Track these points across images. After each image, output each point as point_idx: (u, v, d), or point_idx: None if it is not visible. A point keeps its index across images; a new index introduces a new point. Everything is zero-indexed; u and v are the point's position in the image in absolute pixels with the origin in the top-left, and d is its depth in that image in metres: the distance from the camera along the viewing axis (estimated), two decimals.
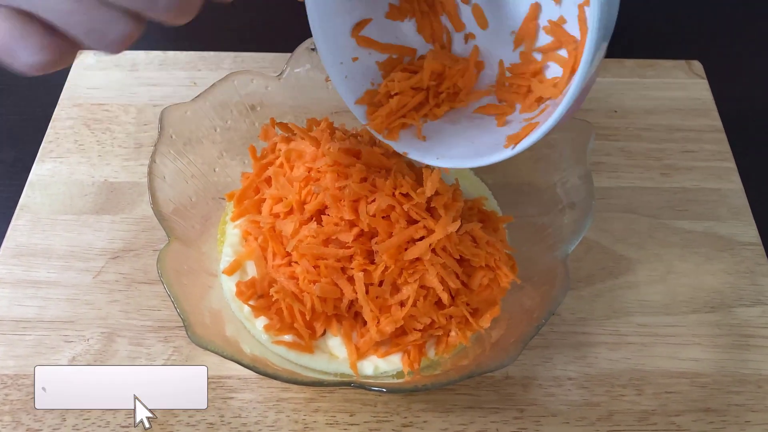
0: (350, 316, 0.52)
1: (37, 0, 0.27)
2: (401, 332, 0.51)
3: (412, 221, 0.50)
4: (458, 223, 0.50)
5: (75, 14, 0.27)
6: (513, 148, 0.44)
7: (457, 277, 0.52)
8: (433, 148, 0.48)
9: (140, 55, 0.75)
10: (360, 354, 0.51)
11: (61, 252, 0.60)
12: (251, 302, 0.53)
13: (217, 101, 0.58)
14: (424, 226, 0.49)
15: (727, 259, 0.61)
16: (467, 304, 0.52)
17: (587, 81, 0.39)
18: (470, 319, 0.52)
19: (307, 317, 0.50)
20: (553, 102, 0.45)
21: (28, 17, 0.28)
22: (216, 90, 0.58)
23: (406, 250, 0.49)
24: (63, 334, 0.56)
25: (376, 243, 0.49)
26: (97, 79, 0.73)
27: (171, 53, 0.76)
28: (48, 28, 0.28)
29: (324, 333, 0.52)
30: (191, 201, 0.56)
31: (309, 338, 0.52)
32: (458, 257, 0.51)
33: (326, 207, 0.51)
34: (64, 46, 0.29)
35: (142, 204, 0.63)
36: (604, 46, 0.38)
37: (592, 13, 0.36)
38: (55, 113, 0.70)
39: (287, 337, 0.51)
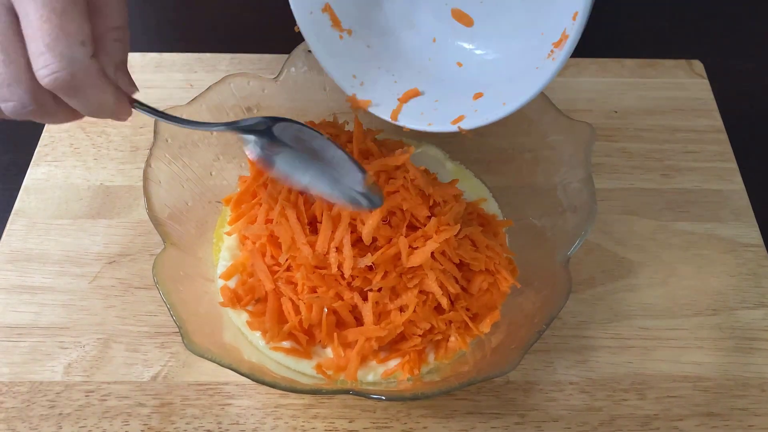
0: (350, 321, 0.51)
1: None
2: (401, 338, 0.51)
3: (412, 227, 0.50)
4: (458, 227, 0.49)
5: None
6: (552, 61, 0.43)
7: (457, 281, 0.51)
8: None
9: (136, 57, 0.75)
10: (359, 360, 0.51)
11: (57, 257, 0.59)
12: (249, 308, 0.52)
13: (213, 104, 0.57)
14: (422, 235, 0.49)
15: (729, 261, 0.61)
16: (467, 309, 0.52)
17: None
18: (470, 324, 0.51)
19: (305, 325, 0.50)
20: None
21: None
22: (212, 93, 0.57)
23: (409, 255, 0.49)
24: (58, 341, 0.55)
25: (371, 254, 0.49)
26: None
27: (167, 55, 0.75)
28: None
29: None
30: (187, 205, 0.55)
31: (307, 344, 0.51)
32: (458, 261, 0.51)
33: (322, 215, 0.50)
34: None
35: (138, 208, 0.63)
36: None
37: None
38: None
39: (285, 344, 0.51)
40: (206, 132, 0.58)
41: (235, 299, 0.52)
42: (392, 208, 0.49)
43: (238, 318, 0.53)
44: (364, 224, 0.48)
